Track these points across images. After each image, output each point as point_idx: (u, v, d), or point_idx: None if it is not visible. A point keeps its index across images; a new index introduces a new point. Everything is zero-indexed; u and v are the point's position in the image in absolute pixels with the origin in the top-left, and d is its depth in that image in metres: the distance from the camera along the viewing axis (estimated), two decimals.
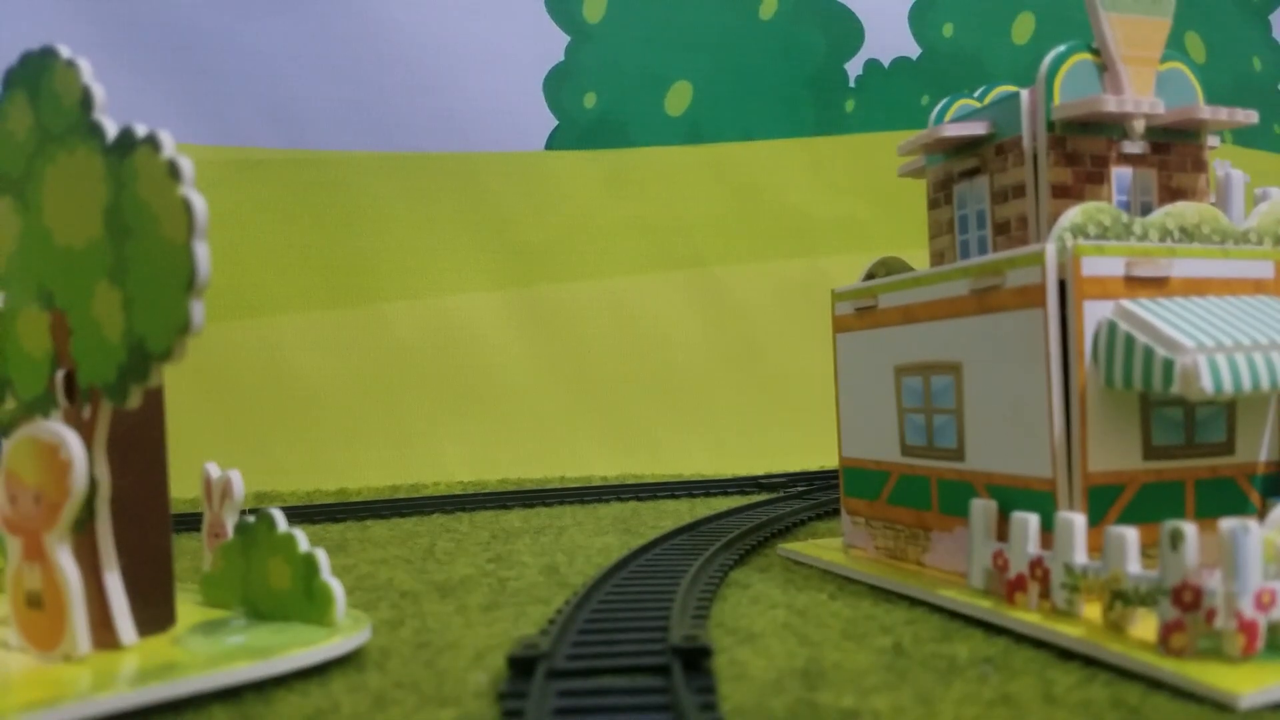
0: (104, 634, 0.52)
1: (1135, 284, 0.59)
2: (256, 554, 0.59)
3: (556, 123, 1.63)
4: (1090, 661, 0.49)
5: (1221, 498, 0.60)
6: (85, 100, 0.52)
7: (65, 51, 0.53)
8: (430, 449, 1.45)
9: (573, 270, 1.61)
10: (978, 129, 0.70)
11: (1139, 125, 0.66)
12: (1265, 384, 0.54)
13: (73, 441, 0.50)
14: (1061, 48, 0.66)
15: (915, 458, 0.71)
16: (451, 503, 1.20)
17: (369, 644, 0.56)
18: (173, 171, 0.47)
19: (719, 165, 1.71)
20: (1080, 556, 0.54)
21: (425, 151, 1.56)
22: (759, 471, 1.39)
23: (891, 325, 0.72)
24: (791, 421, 1.54)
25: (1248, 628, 0.46)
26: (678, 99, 1.69)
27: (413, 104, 1.55)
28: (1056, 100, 0.65)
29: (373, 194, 1.53)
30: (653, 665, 0.49)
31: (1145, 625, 0.50)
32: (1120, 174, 0.66)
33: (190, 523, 0.83)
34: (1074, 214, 0.60)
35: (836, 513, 0.99)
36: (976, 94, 0.77)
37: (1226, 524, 0.46)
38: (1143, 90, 0.66)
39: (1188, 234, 0.62)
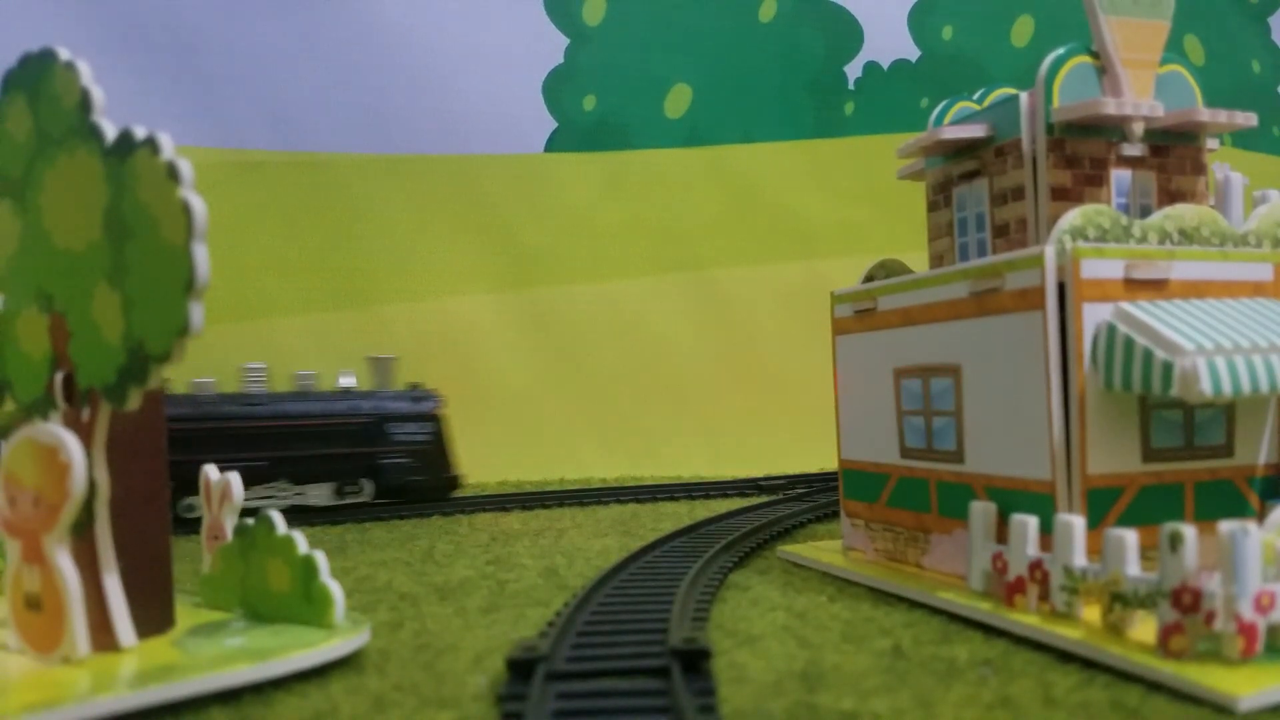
0: (103, 636, 0.52)
1: (1134, 286, 0.59)
2: (255, 556, 0.59)
3: (556, 125, 1.63)
4: (1089, 664, 0.49)
5: (1220, 500, 0.60)
6: (84, 102, 0.51)
7: (64, 53, 0.53)
8: None
9: (571, 272, 1.62)
10: (977, 131, 0.70)
11: (1138, 128, 0.66)
12: (1264, 386, 0.54)
13: (72, 444, 0.50)
14: (1061, 50, 0.66)
15: (915, 460, 0.71)
16: (450, 505, 1.21)
17: (368, 646, 0.56)
18: (172, 173, 0.47)
19: (718, 167, 1.71)
20: (1079, 559, 0.54)
21: (424, 154, 1.56)
22: (758, 474, 1.39)
23: (891, 328, 0.73)
24: (791, 424, 1.54)
25: (1247, 630, 0.46)
26: (677, 101, 1.69)
27: (412, 106, 1.55)
28: (1056, 103, 0.65)
29: (372, 196, 1.53)
30: (652, 667, 0.49)
31: (1144, 627, 0.50)
32: (1119, 176, 0.66)
33: (190, 525, 0.83)
34: (1073, 216, 0.60)
35: (836, 515, 0.99)
36: (976, 96, 0.77)
37: (1226, 526, 0.46)
38: (1142, 93, 0.66)
39: (1187, 236, 0.62)
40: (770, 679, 0.49)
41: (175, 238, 0.47)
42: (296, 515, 1.10)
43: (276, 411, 1.16)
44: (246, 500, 1.00)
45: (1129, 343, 0.56)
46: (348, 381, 1.24)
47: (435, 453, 1.23)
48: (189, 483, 1.03)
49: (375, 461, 1.19)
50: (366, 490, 1.19)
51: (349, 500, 1.18)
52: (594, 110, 1.65)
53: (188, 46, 1.44)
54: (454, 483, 1.25)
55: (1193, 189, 0.68)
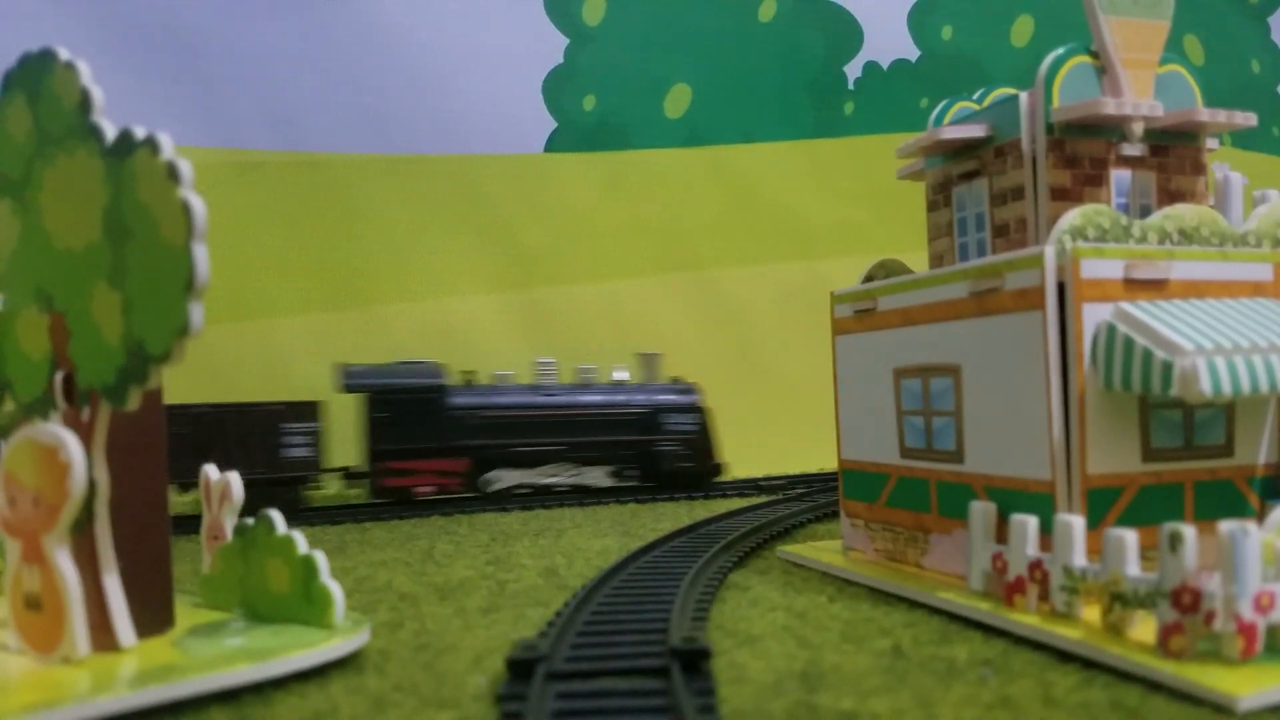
0: (103, 636, 0.52)
1: (1134, 286, 0.59)
2: (255, 556, 0.59)
3: (555, 125, 1.63)
4: (1089, 664, 0.49)
5: (1220, 500, 0.60)
6: (84, 102, 0.51)
7: (64, 54, 0.53)
8: None
9: (571, 273, 1.62)
10: (977, 131, 0.70)
11: (1138, 128, 0.66)
12: (1264, 386, 0.54)
13: (72, 444, 0.50)
14: (1060, 50, 0.66)
15: (914, 460, 0.71)
16: (450, 504, 1.21)
17: (368, 646, 0.56)
18: (172, 173, 0.47)
19: (718, 167, 1.71)
20: (1079, 559, 0.54)
21: (424, 154, 1.56)
22: (758, 474, 1.39)
23: (890, 328, 0.73)
24: (790, 424, 1.54)
25: (1247, 630, 0.46)
26: (677, 101, 1.69)
27: (412, 106, 1.55)
28: (1055, 103, 0.65)
29: (372, 196, 1.53)
30: (652, 667, 0.49)
31: (1144, 627, 0.50)
32: (1119, 176, 0.66)
33: (189, 525, 0.82)
34: (1073, 216, 0.60)
35: (835, 515, 0.99)
36: (975, 96, 0.77)
37: (1225, 526, 0.46)
38: (1141, 93, 0.66)
39: (1186, 236, 0.62)
40: (770, 679, 0.49)
41: (175, 238, 0.47)
42: (582, 495, 1.26)
43: (570, 401, 1.29)
44: (542, 478, 1.21)
45: (1129, 343, 0.56)
46: (621, 375, 1.35)
47: (702, 441, 1.32)
48: (501, 461, 1.24)
49: (651, 448, 1.30)
50: (641, 474, 1.30)
51: (627, 483, 1.29)
52: (594, 110, 1.65)
53: (188, 46, 1.44)
54: (718, 469, 1.33)
55: (1192, 189, 0.68)
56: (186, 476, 1.08)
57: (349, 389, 1.21)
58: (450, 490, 1.23)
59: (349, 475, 1.24)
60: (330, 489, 1.26)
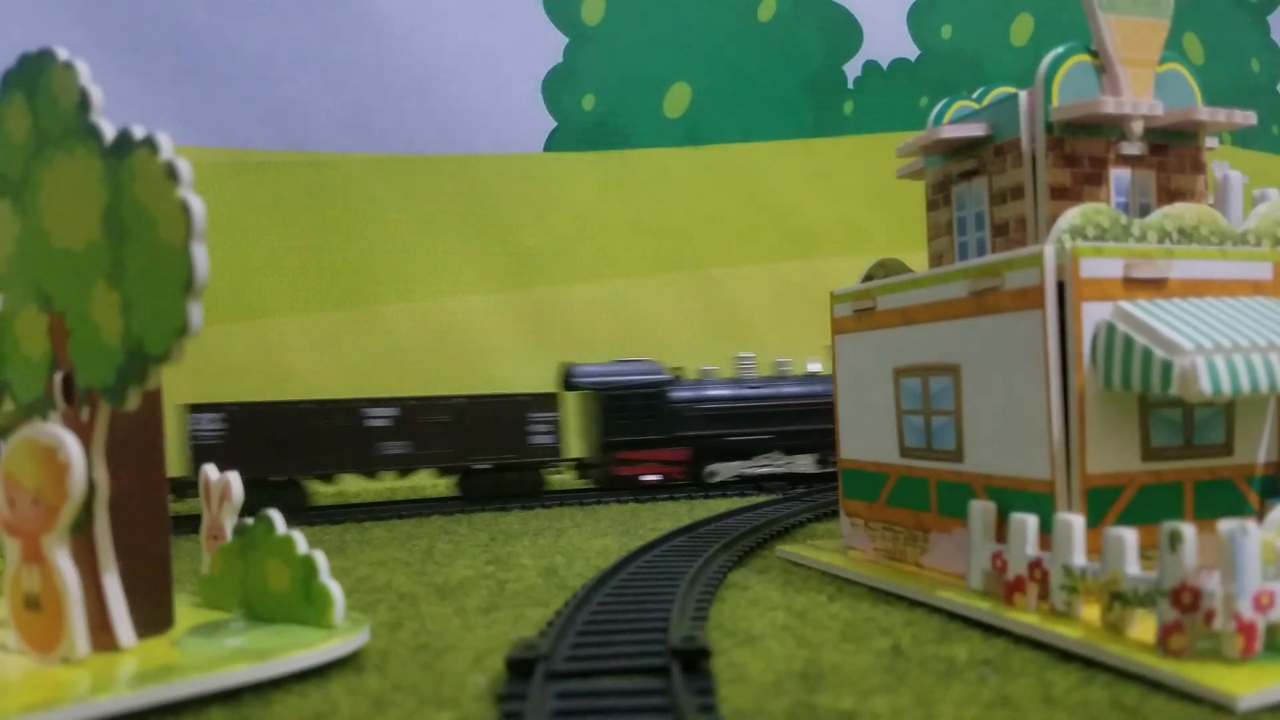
0: (102, 636, 0.52)
1: (1134, 285, 0.59)
2: (255, 556, 0.59)
3: (555, 124, 1.63)
4: (1089, 663, 0.49)
5: (1220, 499, 0.60)
6: (83, 102, 0.51)
7: (63, 53, 0.53)
8: None
9: (571, 272, 1.62)
10: (976, 130, 0.70)
11: (1137, 127, 0.66)
12: (1264, 385, 0.54)
13: (71, 444, 0.50)
14: (1060, 49, 0.66)
15: (914, 459, 0.71)
16: (450, 504, 1.21)
17: (368, 646, 0.56)
18: (171, 173, 0.47)
19: (718, 167, 1.71)
20: (1079, 558, 0.54)
21: (424, 153, 1.56)
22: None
23: (890, 327, 0.72)
24: None
25: (1246, 629, 0.46)
26: (676, 100, 1.69)
27: (411, 106, 1.55)
28: (1055, 102, 0.65)
29: (371, 196, 1.53)
30: (652, 667, 0.49)
31: (1144, 626, 0.50)
32: (1119, 175, 0.66)
33: (189, 525, 0.83)
34: (1072, 215, 0.60)
35: (835, 515, 0.99)
36: (975, 95, 0.77)
37: (1225, 525, 0.46)
38: (1141, 92, 0.66)
39: (1186, 235, 0.62)
40: (770, 679, 0.49)
41: (174, 238, 0.47)
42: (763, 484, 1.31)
43: (774, 393, 1.35)
44: (757, 468, 1.29)
45: (1128, 342, 0.56)
46: (814, 367, 1.40)
47: None
48: (717, 451, 1.31)
49: None
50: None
51: (829, 469, 1.31)
52: (593, 110, 1.65)
53: (187, 46, 1.45)
54: None
55: (1192, 188, 0.68)
56: (450, 461, 1.21)
57: (573, 386, 1.29)
58: (673, 478, 1.30)
59: (582, 465, 1.31)
60: (564, 475, 1.34)
